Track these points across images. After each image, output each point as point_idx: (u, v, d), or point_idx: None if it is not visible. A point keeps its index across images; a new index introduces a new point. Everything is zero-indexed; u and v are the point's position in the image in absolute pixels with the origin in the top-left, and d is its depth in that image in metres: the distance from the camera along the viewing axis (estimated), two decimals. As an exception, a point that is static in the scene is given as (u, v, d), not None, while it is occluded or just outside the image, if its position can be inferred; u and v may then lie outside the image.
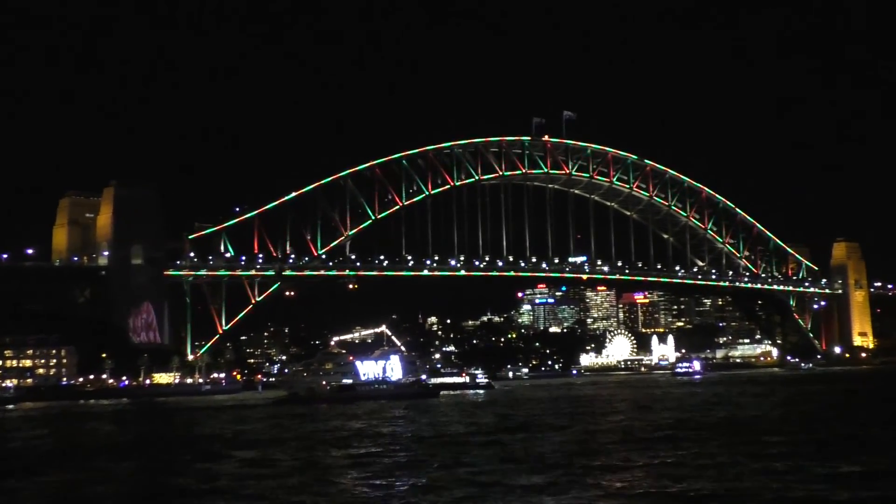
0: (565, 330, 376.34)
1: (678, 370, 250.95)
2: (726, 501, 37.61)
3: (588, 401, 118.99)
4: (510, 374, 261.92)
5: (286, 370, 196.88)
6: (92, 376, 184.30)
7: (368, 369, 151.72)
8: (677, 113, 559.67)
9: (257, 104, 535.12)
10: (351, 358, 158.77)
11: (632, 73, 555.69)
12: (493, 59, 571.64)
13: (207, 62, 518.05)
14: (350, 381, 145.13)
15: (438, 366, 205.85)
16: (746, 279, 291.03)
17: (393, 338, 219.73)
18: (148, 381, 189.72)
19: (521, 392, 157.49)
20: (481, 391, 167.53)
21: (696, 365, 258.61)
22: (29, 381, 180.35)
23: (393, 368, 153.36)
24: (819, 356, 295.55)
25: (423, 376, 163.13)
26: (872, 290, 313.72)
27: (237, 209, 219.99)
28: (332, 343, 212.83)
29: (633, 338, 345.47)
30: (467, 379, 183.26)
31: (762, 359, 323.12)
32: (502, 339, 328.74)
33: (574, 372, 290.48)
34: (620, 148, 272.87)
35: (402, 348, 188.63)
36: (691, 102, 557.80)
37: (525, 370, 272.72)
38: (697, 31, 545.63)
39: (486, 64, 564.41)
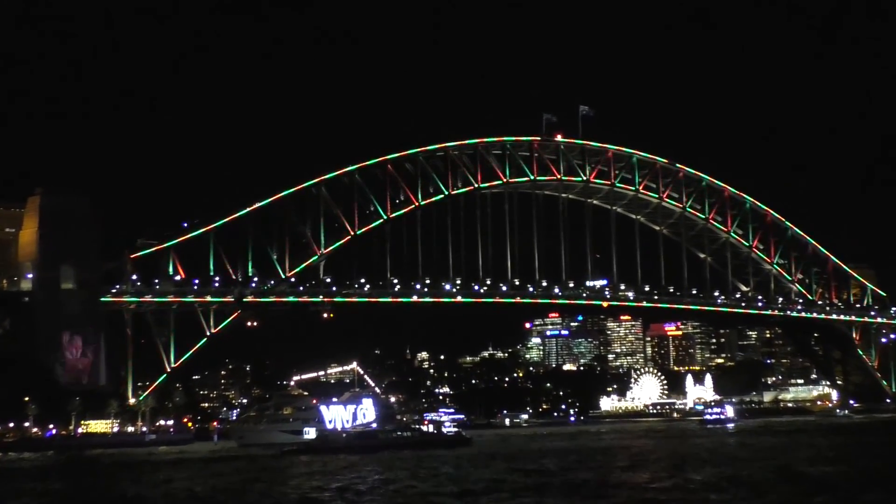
0: (582, 368, 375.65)
1: (707, 417, 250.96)
2: None
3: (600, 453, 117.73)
4: (507, 420, 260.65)
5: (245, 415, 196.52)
6: (12, 424, 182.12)
7: (336, 415, 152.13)
8: (715, 109, 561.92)
9: (213, 102, 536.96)
10: (315, 402, 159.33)
11: (660, 60, 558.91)
12: (495, 42, 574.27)
13: (159, 51, 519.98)
14: (312, 429, 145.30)
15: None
16: (800, 307, 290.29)
17: (365, 377, 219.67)
18: (80, 430, 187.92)
19: (508, 445, 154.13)
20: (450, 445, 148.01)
21: (729, 411, 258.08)
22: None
23: (365, 413, 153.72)
24: (888, 400, 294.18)
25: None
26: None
27: (188, 223, 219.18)
28: (292, 384, 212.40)
29: (663, 377, 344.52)
30: (430, 428, 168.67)
31: (819, 403, 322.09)
32: (506, 379, 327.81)
33: (573, 419, 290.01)
34: (647, 150, 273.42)
35: (377, 389, 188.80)
36: (731, 97, 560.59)
37: (524, 416, 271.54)
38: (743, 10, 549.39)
39: (487, 48, 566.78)
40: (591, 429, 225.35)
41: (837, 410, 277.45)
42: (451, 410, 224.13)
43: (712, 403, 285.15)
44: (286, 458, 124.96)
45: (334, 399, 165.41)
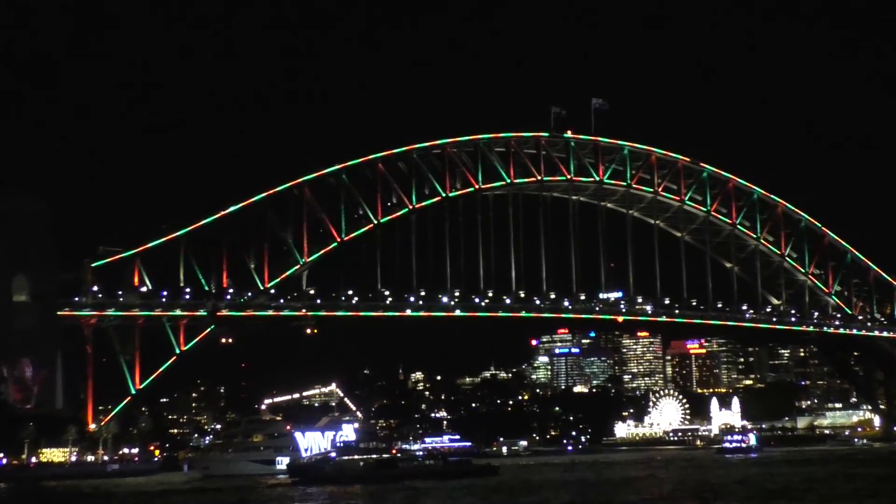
0: (594, 390, 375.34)
1: (726, 445, 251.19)
2: None
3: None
4: (504, 449, 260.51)
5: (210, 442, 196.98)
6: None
7: (313, 442, 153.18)
8: (742, 102, 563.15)
9: (183, 96, 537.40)
10: (289, 428, 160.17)
11: (682, 49, 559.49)
12: (497, 28, 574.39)
13: (127, 46, 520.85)
14: (285, 458, 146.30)
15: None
16: (838, 322, 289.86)
17: (346, 399, 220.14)
18: (34, 459, 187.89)
19: (536, 474, 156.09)
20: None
21: (752, 438, 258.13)
22: None
23: (345, 440, 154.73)
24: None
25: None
26: None
27: (156, 229, 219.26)
28: (264, 408, 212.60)
29: (684, 401, 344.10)
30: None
31: (860, 429, 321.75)
32: (510, 402, 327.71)
33: (570, 448, 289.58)
34: (667, 147, 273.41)
35: (359, 413, 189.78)
36: (759, 88, 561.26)
37: (523, 443, 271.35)
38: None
39: (488, 35, 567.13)
40: (588, 458, 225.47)
41: (856, 440, 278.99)
42: (457, 437, 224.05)
43: (733, 430, 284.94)
44: (296, 490, 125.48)
45: (311, 424, 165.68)
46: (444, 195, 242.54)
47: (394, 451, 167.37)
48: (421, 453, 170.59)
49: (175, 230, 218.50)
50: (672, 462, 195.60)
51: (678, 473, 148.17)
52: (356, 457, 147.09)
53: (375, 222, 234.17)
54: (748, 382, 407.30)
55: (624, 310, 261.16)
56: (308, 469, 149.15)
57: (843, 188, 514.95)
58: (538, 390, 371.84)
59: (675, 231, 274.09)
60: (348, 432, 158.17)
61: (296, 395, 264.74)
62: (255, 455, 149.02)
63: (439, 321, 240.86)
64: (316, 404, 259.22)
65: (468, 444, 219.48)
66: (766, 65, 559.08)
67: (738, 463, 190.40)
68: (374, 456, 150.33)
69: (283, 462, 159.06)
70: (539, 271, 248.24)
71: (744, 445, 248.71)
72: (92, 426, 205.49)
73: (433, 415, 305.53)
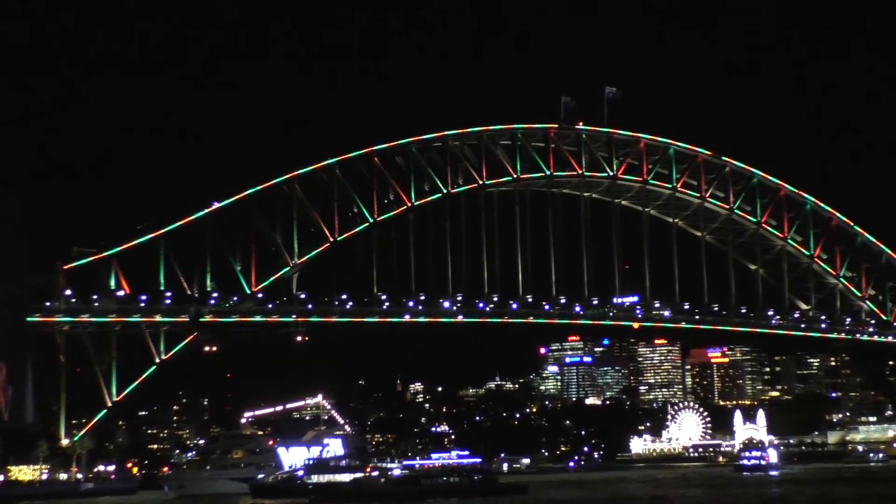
0: (608, 402, 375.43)
1: (744, 462, 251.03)
2: None
3: None
4: (504, 466, 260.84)
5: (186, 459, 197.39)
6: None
7: (297, 458, 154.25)
8: (768, 91, 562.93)
9: (164, 86, 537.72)
10: (271, 443, 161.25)
11: (702, 31, 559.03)
12: (502, 12, 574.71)
13: (106, 36, 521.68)
14: (264, 475, 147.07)
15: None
16: (872, 329, 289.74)
17: (333, 412, 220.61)
18: (1, 478, 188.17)
19: (566, 492, 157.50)
20: None
21: (772, 455, 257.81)
22: None
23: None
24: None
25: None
26: None
27: (134, 228, 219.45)
28: (244, 421, 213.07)
29: (706, 414, 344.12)
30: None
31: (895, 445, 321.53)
32: (517, 416, 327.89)
33: (572, 465, 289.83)
34: (687, 140, 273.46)
35: (347, 427, 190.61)
36: (786, 77, 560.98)
37: (526, 460, 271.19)
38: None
39: (493, 19, 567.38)
40: (588, 476, 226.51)
41: (871, 454, 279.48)
42: (466, 453, 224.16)
43: (752, 445, 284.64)
44: None
45: (295, 439, 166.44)
46: (445, 192, 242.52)
47: (368, 470, 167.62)
48: (398, 473, 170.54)
49: (155, 229, 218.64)
50: (681, 480, 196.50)
51: (692, 492, 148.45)
52: (335, 476, 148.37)
53: (371, 221, 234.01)
54: (774, 394, 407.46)
55: (640, 315, 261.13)
56: (271, 489, 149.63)
57: (878, 184, 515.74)
58: (547, 403, 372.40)
59: (695, 230, 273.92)
60: (335, 447, 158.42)
61: (279, 408, 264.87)
62: (234, 472, 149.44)
63: (440, 328, 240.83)
64: (307, 417, 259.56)
65: (478, 460, 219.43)
66: (796, 53, 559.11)
67: (754, 481, 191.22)
68: (349, 476, 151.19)
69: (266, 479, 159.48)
70: (548, 274, 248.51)
71: (763, 462, 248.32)
72: (65, 441, 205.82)
73: (434, 429, 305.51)
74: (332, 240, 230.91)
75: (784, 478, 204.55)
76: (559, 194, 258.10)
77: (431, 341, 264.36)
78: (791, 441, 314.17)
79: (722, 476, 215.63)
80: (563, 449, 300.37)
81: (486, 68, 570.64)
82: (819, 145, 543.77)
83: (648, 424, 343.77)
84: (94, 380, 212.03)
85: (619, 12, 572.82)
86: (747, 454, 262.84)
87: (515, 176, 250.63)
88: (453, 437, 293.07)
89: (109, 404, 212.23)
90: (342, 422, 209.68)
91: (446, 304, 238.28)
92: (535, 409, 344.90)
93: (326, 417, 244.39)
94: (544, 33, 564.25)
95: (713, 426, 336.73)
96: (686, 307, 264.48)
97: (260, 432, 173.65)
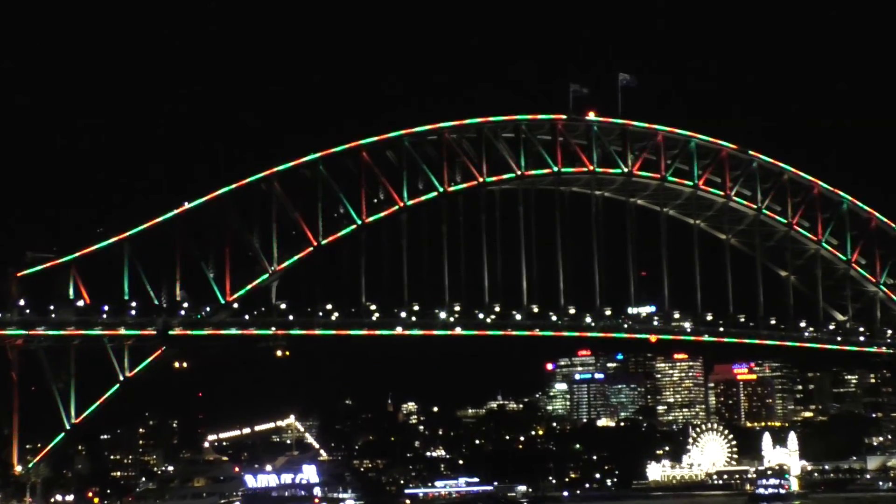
0: (622, 423, 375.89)
1: (759, 491, 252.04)
2: None
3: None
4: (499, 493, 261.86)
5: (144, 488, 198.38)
6: None
7: (267, 486, 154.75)
8: (799, 79, 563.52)
9: (130, 71, 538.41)
10: (237, 469, 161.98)
11: (724, 10, 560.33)
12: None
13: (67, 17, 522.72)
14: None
15: None
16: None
17: (307, 435, 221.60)
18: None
19: None
20: None
21: (793, 482, 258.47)
22: None
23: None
24: None
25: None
26: None
27: (96, 231, 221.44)
28: (206, 445, 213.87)
29: (731, 436, 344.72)
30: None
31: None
32: (521, 439, 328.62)
33: (566, 494, 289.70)
34: (709, 132, 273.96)
35: (322, 452, 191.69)
36: (820, 63, 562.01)
37: (522, 488, 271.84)
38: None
39: (493, 3, 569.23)
40: None
41: (881, 483, 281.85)
42: (475, 480, 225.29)
43: (770, 471, 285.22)
44: None
45: (265, 465, 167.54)
46: (441, 190, 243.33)
47: (316, 502, 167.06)
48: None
49: (118, 232, 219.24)
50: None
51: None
52: None
53: (359, 223, 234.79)
54: (808, 415, 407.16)
55: (657, 327, 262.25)
56: None
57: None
58: (555, 424, 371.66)
59: (719, 233, 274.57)
60: (310, 474, 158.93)
61: (246, 430, 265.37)
62: (195, 502, 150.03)
63: (436, 341, 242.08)
64: (288, 441, 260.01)
65: (490, 487, 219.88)
66: (824, 33, 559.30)
67: None
68: None
69: None
70: (555, 281, 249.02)
71: (782, 492, 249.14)
72: (18, 468, 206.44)
73: (429, 454, 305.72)
74: (315, 244, 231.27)
75: None
76: (568, 193, 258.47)
77: (426, 356, 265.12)
78: (826, 467, 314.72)
79: None
80: (572, 476, 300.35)
81: (488, 53, 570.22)
82: (857, 138, 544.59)
83: (667, 448, 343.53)
84: (50, 400, 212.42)
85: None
86: (764, 482, 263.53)
87: (519, 173, 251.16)
88: (451, 462, 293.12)
89: (68, 427, 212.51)
90: (317, 446, 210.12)
91: (443, 315, 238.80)
92: (541, 432, 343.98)
93: (301, 441, 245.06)
94: (551, 13, 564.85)
95: (739, 450, 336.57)
96: (709, 318, 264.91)
97: (224, 458, 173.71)
